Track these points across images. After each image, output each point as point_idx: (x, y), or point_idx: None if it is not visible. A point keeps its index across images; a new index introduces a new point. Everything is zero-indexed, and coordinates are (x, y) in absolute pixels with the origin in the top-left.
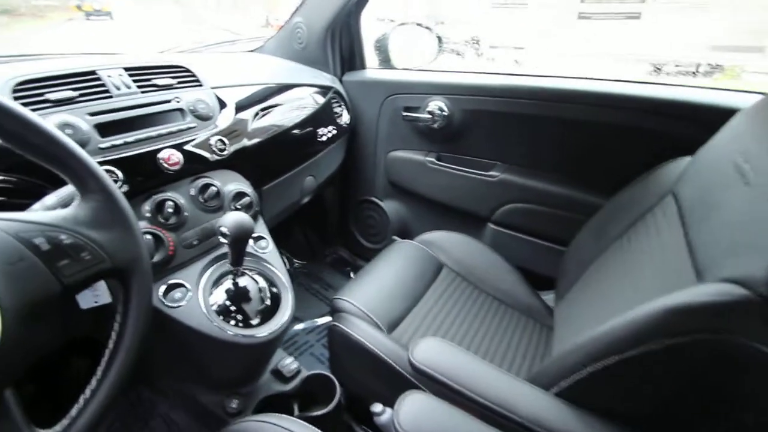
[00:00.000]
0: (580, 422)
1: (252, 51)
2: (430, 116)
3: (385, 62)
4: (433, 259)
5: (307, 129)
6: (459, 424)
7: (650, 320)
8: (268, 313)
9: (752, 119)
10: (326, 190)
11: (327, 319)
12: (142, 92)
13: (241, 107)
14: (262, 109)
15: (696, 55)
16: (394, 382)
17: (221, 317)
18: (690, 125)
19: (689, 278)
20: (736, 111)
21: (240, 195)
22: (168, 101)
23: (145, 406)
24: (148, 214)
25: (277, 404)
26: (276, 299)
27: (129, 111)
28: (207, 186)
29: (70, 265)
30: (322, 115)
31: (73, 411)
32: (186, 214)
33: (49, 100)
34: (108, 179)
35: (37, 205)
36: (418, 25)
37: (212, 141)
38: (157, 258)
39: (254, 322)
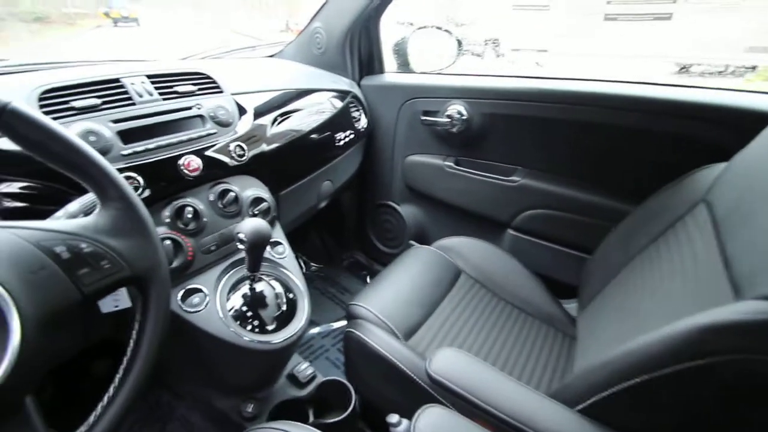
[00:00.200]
0: None
1: (271, 56)
2: (449, 120)
3: (404, 66)
4: (450, 265)
5: (325, 134)
6: None
7: (684, 339)
8: (284, 319)
9: None
10: (343, 194)
11: (343, 323)
12: (164, 99)
13: (260, 113)
14: (281, 115)
15: (728, 57)
16: (411, 391)
17: (238, 322)
18: (721, 130)
19: (725, 293)
20: None
21: (258, 200)
22: (189, 108)
23: (164, 410)
24: (167, 220)
25: (292, 409)
26: (292, 305)
27: (151, 118)
28: (226, 192)
29: (89, 274)
30: (340, 120)
31: (91, 418)
32: (205, 219)
33: (74, 108)
34: (128, 187)
35: (59, 213)
36: (438, 28)
37: (231, 147)
38: (176, 263)
39: (270, 327)
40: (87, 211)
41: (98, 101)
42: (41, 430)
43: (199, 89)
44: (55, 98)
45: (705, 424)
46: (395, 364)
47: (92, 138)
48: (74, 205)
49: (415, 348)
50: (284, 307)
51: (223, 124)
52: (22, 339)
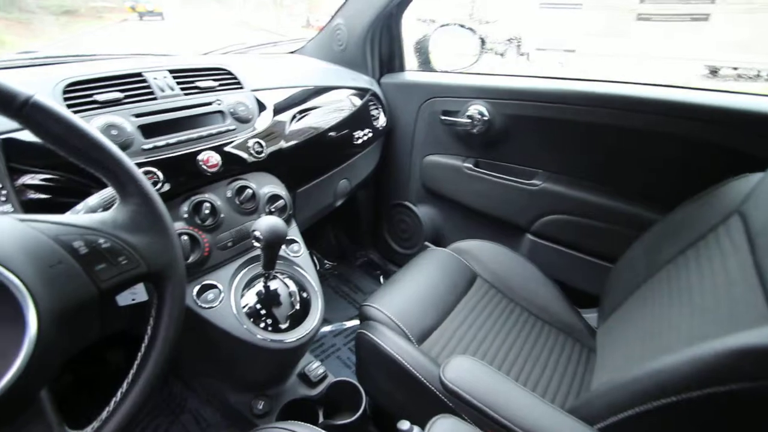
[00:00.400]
0: None
1: (292, 52)
2: (470, 121)
3: (425, 64)
4: (466, 268)
5: (343, 131)
6: None
7: (716, 361)
8: (297, 318)
9: None
10: (359, 193)
11: (355, 322)
12: (185, 94)
13: (279, 109)
14: (300, 112)
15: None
16: (423, 397)
17: (251, 320)
18: (755, 138)
19: (761, 311)
20: None
21: (275, 198)
22: (209, 103)
23: (177, 401)
24: (185, 215)
25: (302, 409)
26: (306, 304)
27: (172, 113)
28: (243, 188)
29: (106, 270)
30: (359, 118)
31: (104, 414)
32: (222, 215)
33: (97, 102)
34: (147, 183)
35: (79, 206)
36: (461, 26)
37: (250, 143)
38: (192, 258)
39: (283, 326)
40: (106, 205)
41: (121, 95)
42: (55, 423)
43: (220, 85)
44: (78, 91)
45: None
46: (408, 368)
47: (114, 132)
48: (94, 199)
49: (428, 352)
50: (298, 306)
51: (243, 120)
52: (38, 333)
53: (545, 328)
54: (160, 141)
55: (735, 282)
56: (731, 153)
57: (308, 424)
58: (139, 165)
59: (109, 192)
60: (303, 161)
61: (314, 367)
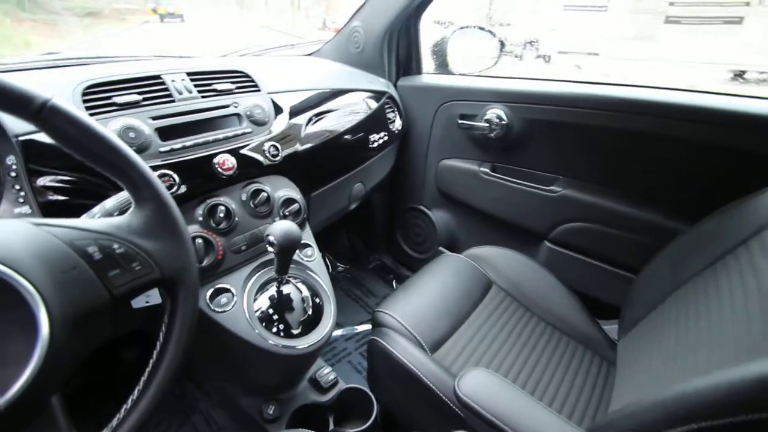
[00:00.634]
0: None
1: (309, 54)
2: (488, 125)
3: (443, 67)
4: (481, 275)
5: (359, 135)
6: None
7: (754, 387)
8: (309, 324)
9: None
10: (374, 196)
11: (367, 327)
12: (203, 97)
13: (295, 112)
14: (316, 115)
15: None
16: (436, 409)
17: (263, 324)
18: None
19: None
20: None
21: (289, 201)
22: (226, 106)
23: (188, 401)
24: (200, 218)
25: (313, 414)
26: (318, 310)
27: (189, 116)
28: (258, 191)
29: (120, 275)
30: (375, 121)
31: (114, 421)
32: (236, 219)
33: (116, 104)
34: (162, 188)
35: (96, 209)
36: (481, 28)
37: (266, 146)
38: (206, 262)
39: (295, 332)
40: (123, 209)
41: (139, 97)
42: (65, 429)
43: (237, 87)
44: (98, 93)
45: None
46: (421, 378)
47: (132, 134)
48: (110, 202)
49: (441, 362)
50: (310, 312)
51: (259, 123)
52: (50, 339)
53: (563, 339)
54: (177, 144)
55: None
56: (763, 162)
57: None
58: (156, 167)
59: (125, 195)
60: (318, 164)
61: (325, 372)
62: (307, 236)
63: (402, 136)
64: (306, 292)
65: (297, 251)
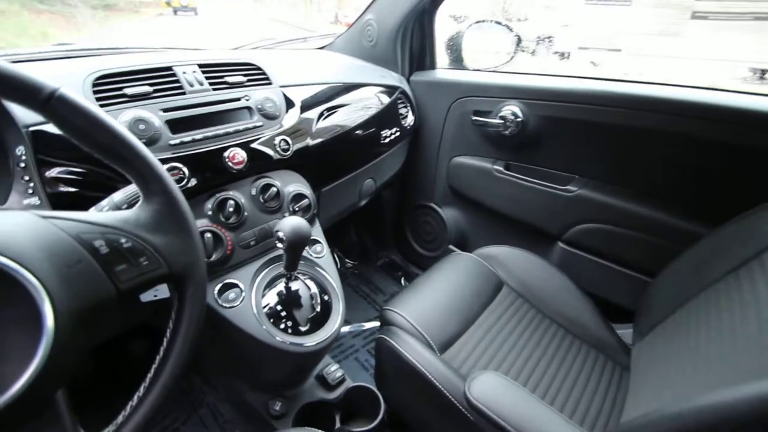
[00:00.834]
0: None
1: (321, 48)
2: (502, 122)
3: (457, 62)
4: (492, 275)
5: (370, 130)
6: None
7: None
8: (317, 321)
9: None
10: (384, 192)
11: (374, 324)
12: (214, 89)
13: (306, 106)
14: (327, 109)
15: None
16: (444, 410)
17: (271, 321)
18: None
19: None
20: None
21: (299, 197)
22: (238, 99)
23: (196, 394)
24: (209, 212)
25: (319, 412)
26: (327, 307)
27: (200, 108)
28: (268, 186)
29: (127, 270)
30: (387, 116)
31: (119, 418)
32: (246, 213)
33: (126, 95)
34: (171, 182)
35: (104, 202)
36: (497, 23)
37: (276, 140)
38: (215, 257)
39: (303, 329)
40: (131, 202)
41: (150, 89)
42: (70, 426)
43: (249, 80)
44: (109, 84)
45: None
46: (429, 379)
47: (142, 126)
48: (119, 195)
49: (450, 363)
50: (318, 309)
51: (270, 117)
52: (55, 333)
53: (575, 342)
54: (187, 137)
55: None
56: None
57: None
58: (166, 160)
59: (133, 188)
60: (329, 159)
61: (332, 369)
62: (317, 232)
63: (414, 132)
64: (315, 289)
65: (306, 247)
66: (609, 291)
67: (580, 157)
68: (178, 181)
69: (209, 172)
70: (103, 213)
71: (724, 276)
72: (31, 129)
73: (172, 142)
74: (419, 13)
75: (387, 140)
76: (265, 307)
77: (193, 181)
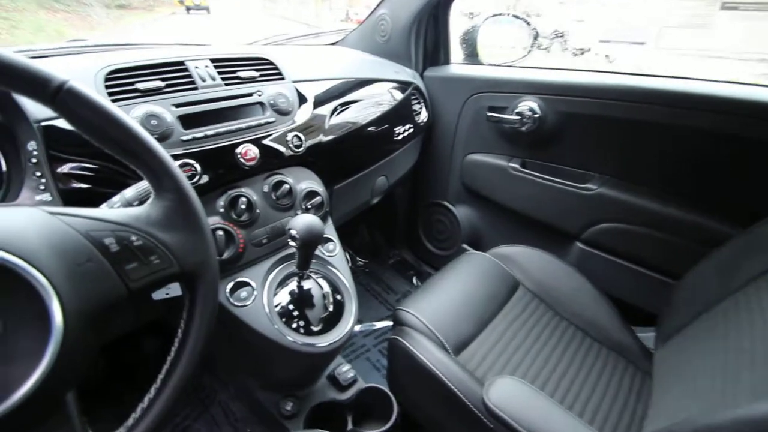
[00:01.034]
0: None
1: (334, 44)
2: (519, 118)
3: (472, 57)
4: (508, 275)
5: (384, 127)
6: None
7: None
8: (330, 321)
9: None
10: (396, 190)
11: (386, 323)
12: (226, 84)
13: (319, 102)
14: (341, 105)
15: None
16: (460, 414)
17: (283, 320)
18: None
19: None
20: None
21: (311, 194)
22: (250, 94)
23: (207, 393)
24: (221, 210)
25: (331, 412)
26: (339, 307)
27: (212, 104)
28: (280, 183)
29: (137, 269)
30: (400, 113)
31: (130, 420)
32: (258, 211)
33: (138, 90)
34: (183, 178)
35: (116, 198)
36: (515, 16)
37: (289, 136)
38: (226, 255)
39: (315, 329)
40: (143, 198)
41: (162, 84)
42: (80, 428)
43: (261, 75)
44: (120, 79)
45: None
46: (444, 382)
47: (154, 122)
48: (130, 191)
49: (465, 365)
50: (331, 308)
51: (283, 113)
52: (64, 333)
53: (594, 346)
54: (200, 132)
55: None
56: None
57: None
58: (178, 156)
59: (145, 184)
60: (342, 156)
61: (344, 370)
62: (329, 230)
63: (427, 128)
64: (327, 288)
65: (319, 246)
66: (629, 293)
67: (600, 155)
68: (190, 178)
69: (221, 168)
70: (113, 210)
71: (755, 279)
72: (43, 124)
73: (184, 137)
74: (433, 7)
75: (400, 137)
76: (277, 306)
77: (205, 178)
